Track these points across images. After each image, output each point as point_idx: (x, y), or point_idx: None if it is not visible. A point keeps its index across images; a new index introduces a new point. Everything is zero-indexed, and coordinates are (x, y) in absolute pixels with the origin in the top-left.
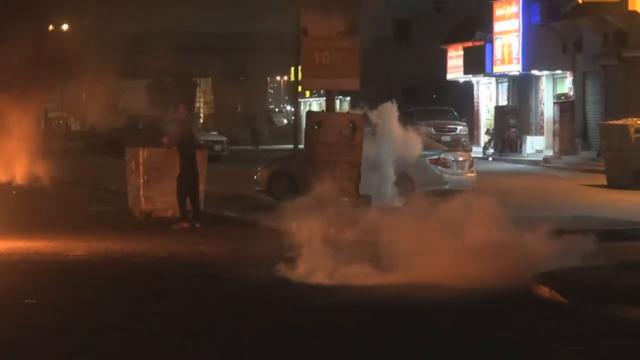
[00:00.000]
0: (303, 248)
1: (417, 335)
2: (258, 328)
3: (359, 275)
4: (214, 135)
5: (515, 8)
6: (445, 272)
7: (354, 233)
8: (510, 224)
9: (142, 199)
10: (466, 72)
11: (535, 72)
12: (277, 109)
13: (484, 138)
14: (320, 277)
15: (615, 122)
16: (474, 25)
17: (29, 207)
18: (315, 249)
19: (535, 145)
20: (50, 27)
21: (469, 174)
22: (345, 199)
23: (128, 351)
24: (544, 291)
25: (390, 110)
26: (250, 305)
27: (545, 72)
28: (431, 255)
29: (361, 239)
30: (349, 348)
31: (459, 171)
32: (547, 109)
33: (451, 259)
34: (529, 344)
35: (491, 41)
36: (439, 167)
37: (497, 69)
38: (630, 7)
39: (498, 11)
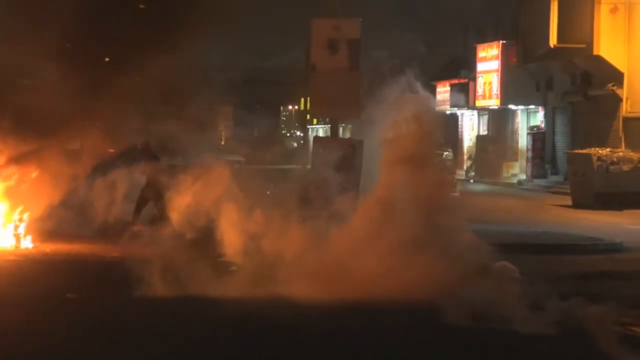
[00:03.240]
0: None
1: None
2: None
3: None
4: (232, 156)
5: (496, 51)
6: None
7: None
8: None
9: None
10: (452, 105)
11: (511, 106)
12: (288, 134)
13: (466, 163)
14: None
15: (580, 151)
16: (460, 65)
17: (68, 215)
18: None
19: (511, 170)
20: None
21: (453, 194)
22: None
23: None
24: None
25: None
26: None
27: (521, 107)
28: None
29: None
30: None
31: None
32: (522, 138)
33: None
34: None
35: (474, 79)
36: None
37: (479, 103)
38: (595, 52)
39: (481, 53)
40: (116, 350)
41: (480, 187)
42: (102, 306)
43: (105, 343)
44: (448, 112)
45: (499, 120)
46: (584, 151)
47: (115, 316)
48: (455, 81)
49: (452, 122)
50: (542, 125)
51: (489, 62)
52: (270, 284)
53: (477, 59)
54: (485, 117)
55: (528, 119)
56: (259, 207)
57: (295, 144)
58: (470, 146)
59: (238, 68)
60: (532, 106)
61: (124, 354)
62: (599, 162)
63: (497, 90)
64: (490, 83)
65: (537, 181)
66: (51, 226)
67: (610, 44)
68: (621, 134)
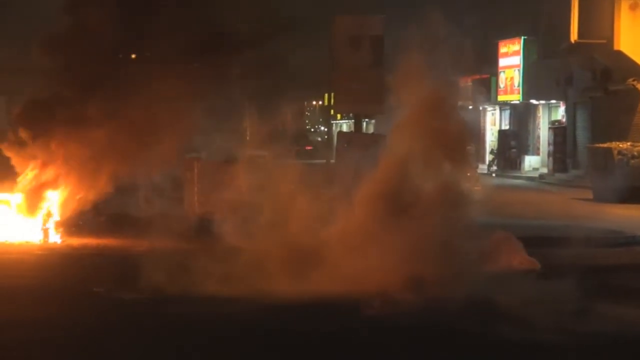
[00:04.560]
0: None
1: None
2: None
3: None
4: (257, 151)
5: (517, 47)
6: None
7: None
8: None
9: (196, 204)
10: (474, 100)
11: (533, 101)
12: (312, 129)
13: (488, 157)
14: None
15: (600, 145)
16: (481, 60)
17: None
18: None
19: (532, 164)
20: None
21: (475, 188)
22: None
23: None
24: None
25: None
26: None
27: (542, 102)
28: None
29: None
30: None
31: (467, 185)
32: (543, 133)
33: None
34: None
35: (496, 74)
36: None
37: (501, 98)
38: (615, 47)
39: (502, 49)
40: (138, 346)
41: (501, 181)
42: (126, 300)
43: (128, 338)
44: (470, 107)
45: (521, 115)
46: (605, 145)
47: (139, 311)
48: (477, 76)
49: (474, 117)
50: (564, 120)
51: (511, 57)
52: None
53: (499, 55)
54: (507, 112)
55: (549, 114)
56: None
57: (319, 139)
58: (492, 141)
59: (262, 63)
60: (553, 101)
61: (147, 349)
62: (620, 156)
63: (518, 86)
64: (512, 78)
65: (558, 175)
66: (78, 221)
67: (630, 39)
68: None
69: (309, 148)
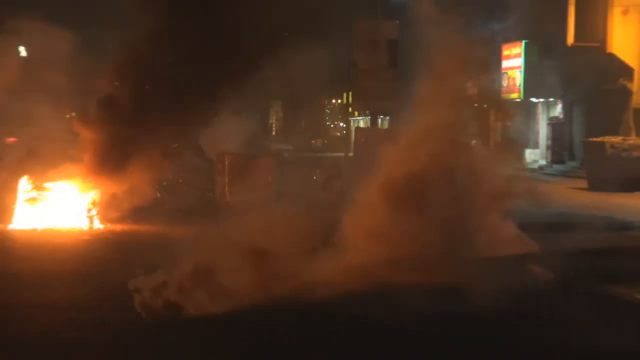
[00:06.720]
0: None
1: None
2: None
3: None
4: (282, 145)
5: (519, 49)
6: None
7: None
8: None
9: (227, 193)
10: (480, 98)
11: (533, 99)
12: (332, 125)
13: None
14: None
15: (595, 139)
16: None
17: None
18: None
19: (532, 157)
20: None
21: None
22: None
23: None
24: None
25: None
26: None
27: (541, 99)
28: None
29: None
30: None
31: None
32: (542, 128)
33: None
34: None
35: (499, 74)
36: None
37: (504, 96)
38: (609, 50)
39: (505, 51)
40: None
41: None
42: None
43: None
44: (476, 105)
45: (522, 111)
46: (599, 139)
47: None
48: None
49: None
50: (561, 117)
51: (513, 59)
52: None
53: (502, 57)
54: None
55: (548, 111)
56: None
57: (338, 134)
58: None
59: (285, 64)
60: (551, 99)
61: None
62: (612, 149)
63: (519, 85)
64: (513, 78)
65: (556, 167)
66: (121, 208)
67: (622, 42)
68: (632, 124)
69: (313, 142)
